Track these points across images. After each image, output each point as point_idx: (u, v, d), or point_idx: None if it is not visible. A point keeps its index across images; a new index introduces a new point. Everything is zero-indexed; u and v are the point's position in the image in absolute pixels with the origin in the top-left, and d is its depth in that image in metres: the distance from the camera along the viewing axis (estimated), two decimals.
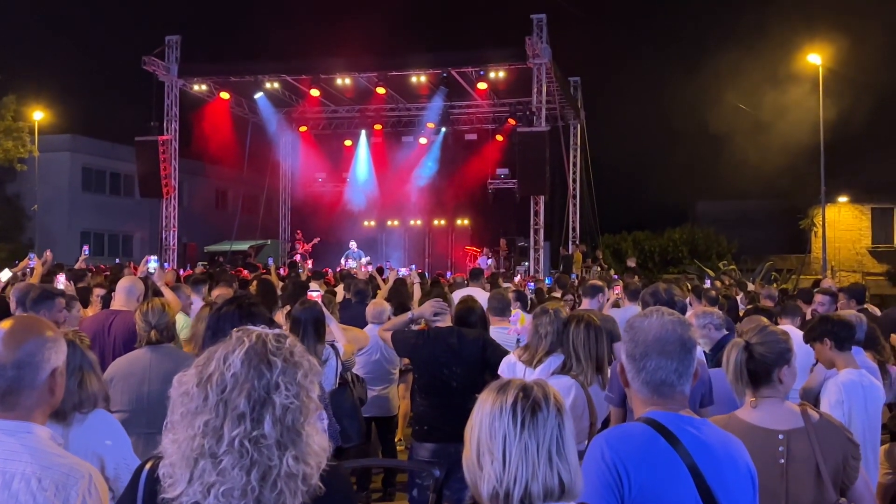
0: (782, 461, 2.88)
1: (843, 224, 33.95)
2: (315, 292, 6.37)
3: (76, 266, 11.27)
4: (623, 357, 2.53)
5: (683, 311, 6.69)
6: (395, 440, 8.05)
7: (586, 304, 7.69)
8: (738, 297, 11.41)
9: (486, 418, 1.96)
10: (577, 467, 1.95)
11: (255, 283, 9.47)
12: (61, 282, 7.27)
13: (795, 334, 4.52)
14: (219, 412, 1.85)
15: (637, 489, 2.28)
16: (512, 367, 5.17)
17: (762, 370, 3.03)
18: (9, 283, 8.48)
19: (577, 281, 15.62)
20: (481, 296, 8.09)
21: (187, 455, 1.85)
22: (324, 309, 5.51)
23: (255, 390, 1.87)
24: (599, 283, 7.62)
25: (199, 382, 1.89)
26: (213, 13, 46.14)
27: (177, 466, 1.86)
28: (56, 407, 2.48)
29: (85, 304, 7.34)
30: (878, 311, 9.02)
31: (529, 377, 4.73)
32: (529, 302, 8.21)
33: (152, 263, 7.20)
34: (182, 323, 6.20)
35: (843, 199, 33.79)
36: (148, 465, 2.01)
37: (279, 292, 8.61)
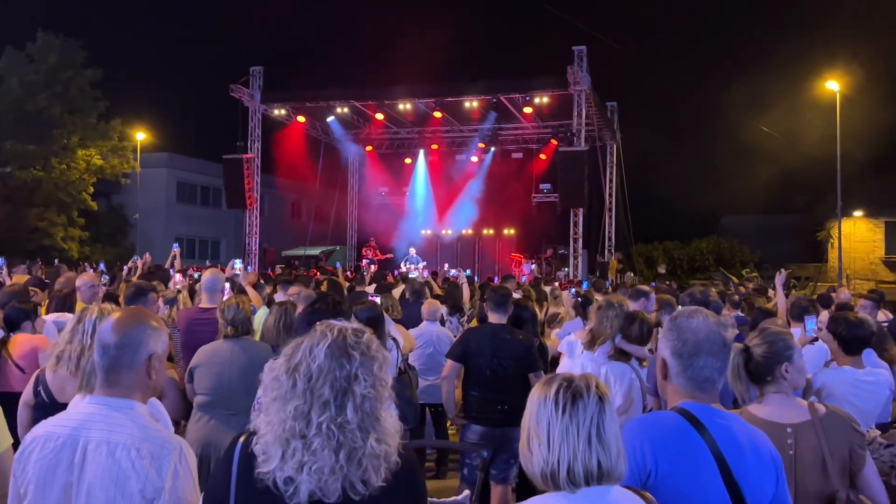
0: (791, 453, 2.79)
1: (858, 236, 33.02)
2: (374, 296, 6.46)
3: (166, 264, 11.40)
4: (667, 353, 2.45)
5: (718, 311, 6.51)
6: (448, 425, 8.08)
7: (631, 307, 7.36)
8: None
9: (533, 407, 1.98)
10: (618, 453, 1.92)
11: (325, 283, 9.57)
12: (178, 281, 7.38)
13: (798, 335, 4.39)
14: (306, 398, 1.88)
15: (663, 472, 2.25)
16: (572, 346, 5.28)
17: (763, 369, 2.95)
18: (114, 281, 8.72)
19: (611, 286, 15.42)
20: None
21: (280, 435, 1.88)
22: (383, 312, 5.56)
23: (337, 380, 1.89)
24: (646, 287, 7.37)
25: (287, 370, 1.92)
26: (292, 47, 46.95)
27: (271, 445, 1.89)
28: (156, 391, 2.51)
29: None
30: (891, 315, 8.85)
31: (587, 357, 4.82)
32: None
33: (238, 265, 7.37)
34: (261, 316, 6.32)
35: (858, 213, 32.88)
36: (242, 439, 2.04)
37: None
